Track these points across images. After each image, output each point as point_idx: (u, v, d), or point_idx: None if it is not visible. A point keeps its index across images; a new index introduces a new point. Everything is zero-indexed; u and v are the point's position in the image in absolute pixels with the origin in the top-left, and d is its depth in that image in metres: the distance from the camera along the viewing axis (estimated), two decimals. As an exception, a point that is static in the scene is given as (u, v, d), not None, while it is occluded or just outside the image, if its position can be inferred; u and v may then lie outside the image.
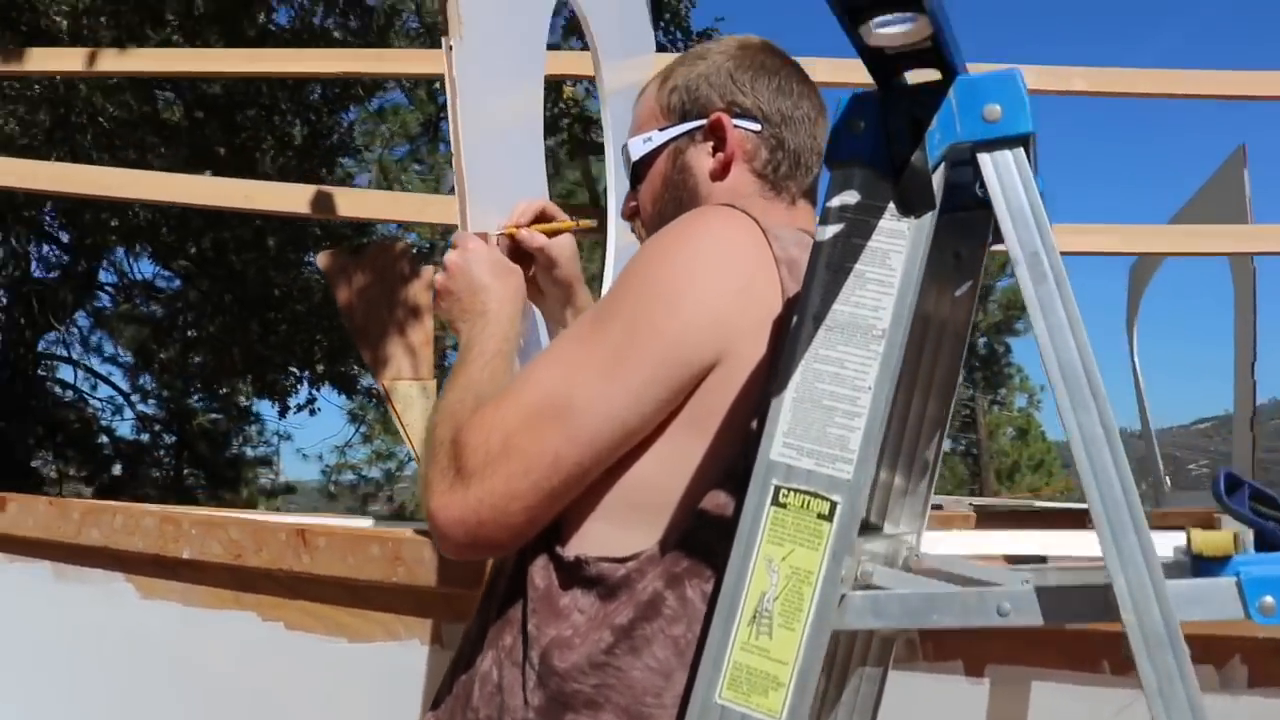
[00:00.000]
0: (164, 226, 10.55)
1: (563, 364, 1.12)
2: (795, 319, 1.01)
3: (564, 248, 1.52)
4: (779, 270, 1.12)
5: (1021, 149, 0.95)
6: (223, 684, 2.00)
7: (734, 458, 1.09)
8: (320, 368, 12.05)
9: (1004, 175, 0.95)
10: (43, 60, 3.34)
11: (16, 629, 2.20)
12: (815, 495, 0.97)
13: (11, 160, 3.68)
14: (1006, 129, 0.95)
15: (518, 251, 1.51)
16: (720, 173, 1.33)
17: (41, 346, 13.38)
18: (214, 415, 15.53)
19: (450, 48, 1.52)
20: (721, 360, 1.09)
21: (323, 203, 2.93)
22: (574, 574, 1.12)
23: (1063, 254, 0.93)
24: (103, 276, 12.87)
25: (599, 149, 2.69)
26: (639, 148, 1.38)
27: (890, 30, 0.91)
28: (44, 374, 13.76)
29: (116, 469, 15.18)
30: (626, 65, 2.44)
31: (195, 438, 15.63)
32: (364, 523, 2.96)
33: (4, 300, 12.46)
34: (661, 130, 1.37)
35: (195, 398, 15.29)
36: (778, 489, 0.99)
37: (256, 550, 1.88)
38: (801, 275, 1.05)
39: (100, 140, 8.92)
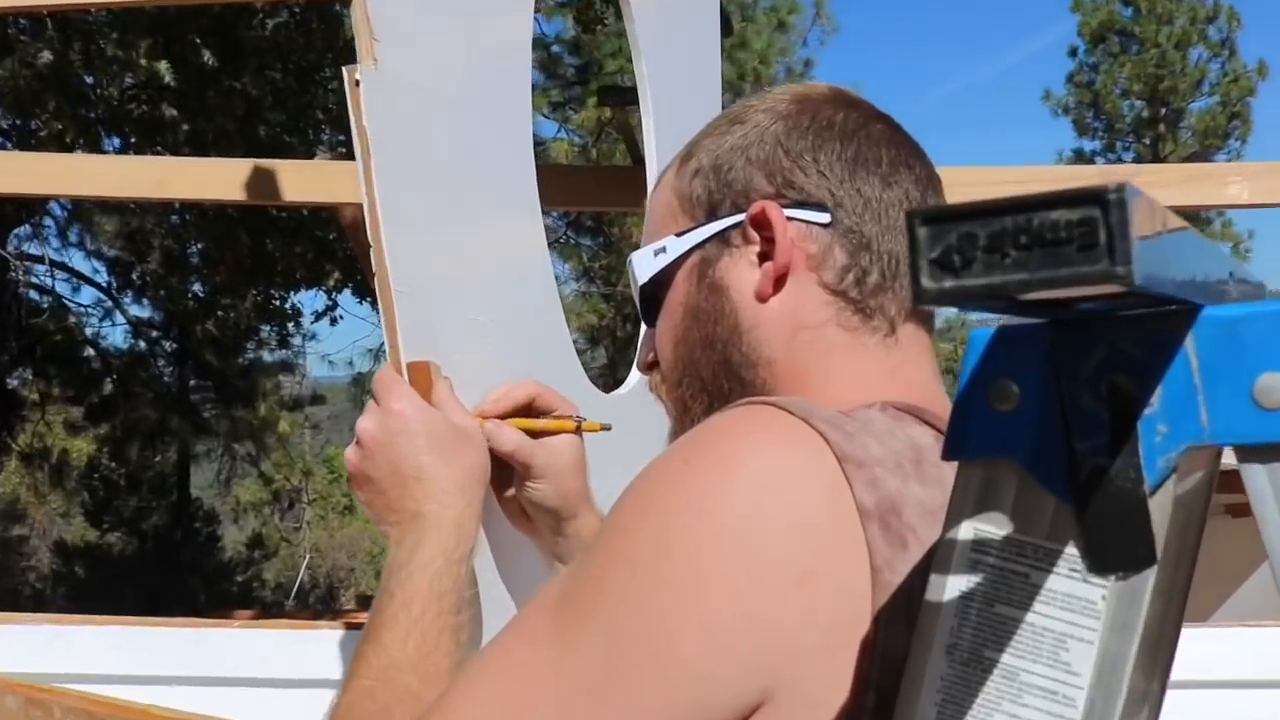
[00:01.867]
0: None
1: (509, 693, 0.92)
2: None
3: (562, 453, 1.39)
4: (866, 530, 0.87)
5: None
6: None
7: None
8: (336, 275, 12.21)
9: None
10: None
11: None
12: None
13: None
14: None
15: None
16: (772, 291, 1.11)
17: (11, 246, 13.60)
18: (225, 314, 15.75)
19: (356, 82, 1.29)
20: (771, 698, 0.86)
21: (262, 183, 2.69)
22: None
23: None
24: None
25: (631, 95, 2.48)
26: (647, 264, 1.19)
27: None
28: (16, 278, 14.01)
29: (108, 386, 15.60)
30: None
31: (200, 344, 15.91)
32: None
33: (-42, 193, 12.67)
34: (680, 236, 1.17)
35: (198, 293, 15.48)
36: None
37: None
38: (912, 524, 0.88)
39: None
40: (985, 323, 0.76)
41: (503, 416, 1.35)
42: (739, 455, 0.89)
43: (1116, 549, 0.69)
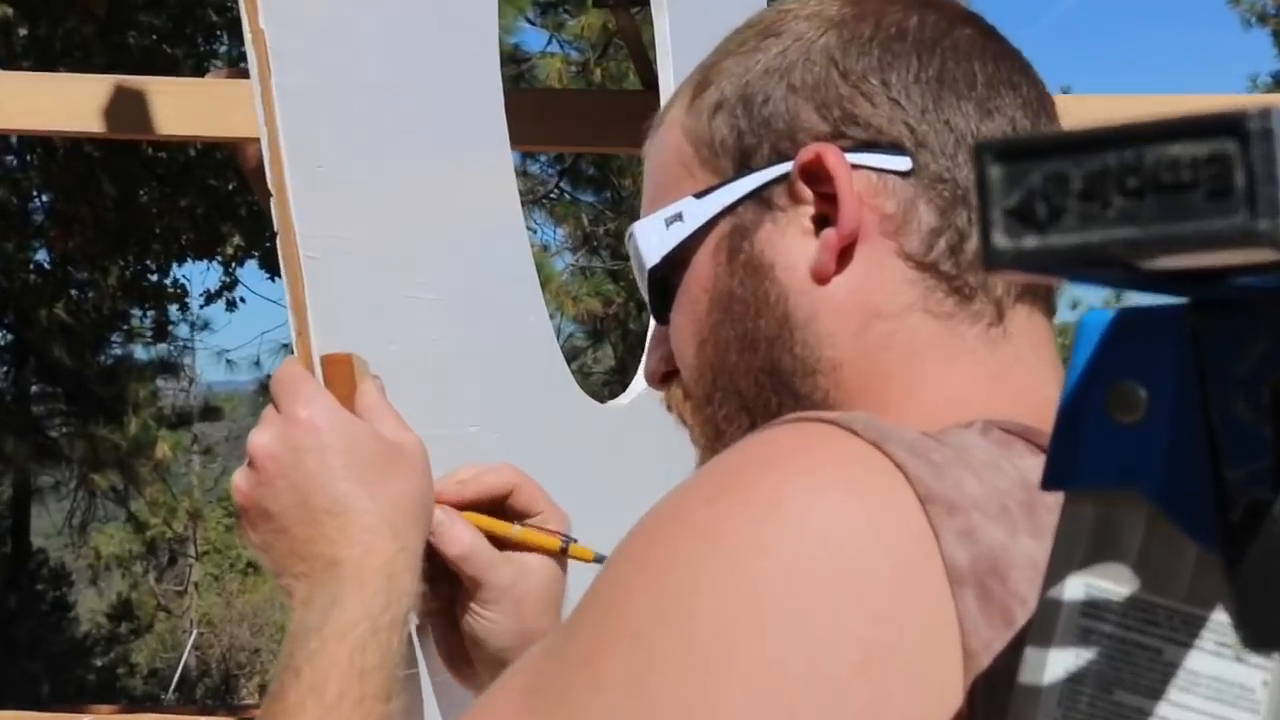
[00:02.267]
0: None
1: None
2: None
3: (529, 577, 1.41)
4: (957, 598, 0.89)
5: None
6: None
7: None
8: (236, 242, 12.33)
9: None
10: None
11: None
12: None
13: None
14: None
15: None
16: (834, 269, 1.12)
17: None
18: (81, 293, 15.89)
19: None
20: None
21: (127, 110, 2.74)
22: None
23: None
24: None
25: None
26: (656, 239, 1.21)
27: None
28: None
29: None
30: None
31: (47, 334, 16.06)
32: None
33: None
34: (701, 197, 1.18)
35: (43, 263, 15.63)
36: None
37: None
38: (1021, 593, 0.89)
39: None
40: (1108, 304, 0.79)
41: (462, 507, 1.37)
42: (783, 494, 0.91)
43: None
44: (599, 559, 1.37)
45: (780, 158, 1.14)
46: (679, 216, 1.18)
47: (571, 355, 15.51)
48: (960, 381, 1.09)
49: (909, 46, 1.14)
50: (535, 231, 14.70)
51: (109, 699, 17.54)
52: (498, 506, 1.40)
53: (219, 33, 11.34)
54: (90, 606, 22.08)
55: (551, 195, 15.37)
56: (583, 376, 12.91)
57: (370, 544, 1.25)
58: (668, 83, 2.27)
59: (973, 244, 1.11)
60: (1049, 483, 0.76)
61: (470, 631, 1.39)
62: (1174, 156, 0.52)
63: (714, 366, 1.18)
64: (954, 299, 1.11)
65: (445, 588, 1.39)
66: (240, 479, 1.30)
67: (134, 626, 21.78)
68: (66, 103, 3.24)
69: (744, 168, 1.16)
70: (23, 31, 10.43)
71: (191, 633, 20.98)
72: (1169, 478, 0.73)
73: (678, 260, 1.20)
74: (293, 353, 1.36)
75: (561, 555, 1.40)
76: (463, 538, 1.36)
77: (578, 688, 0.92)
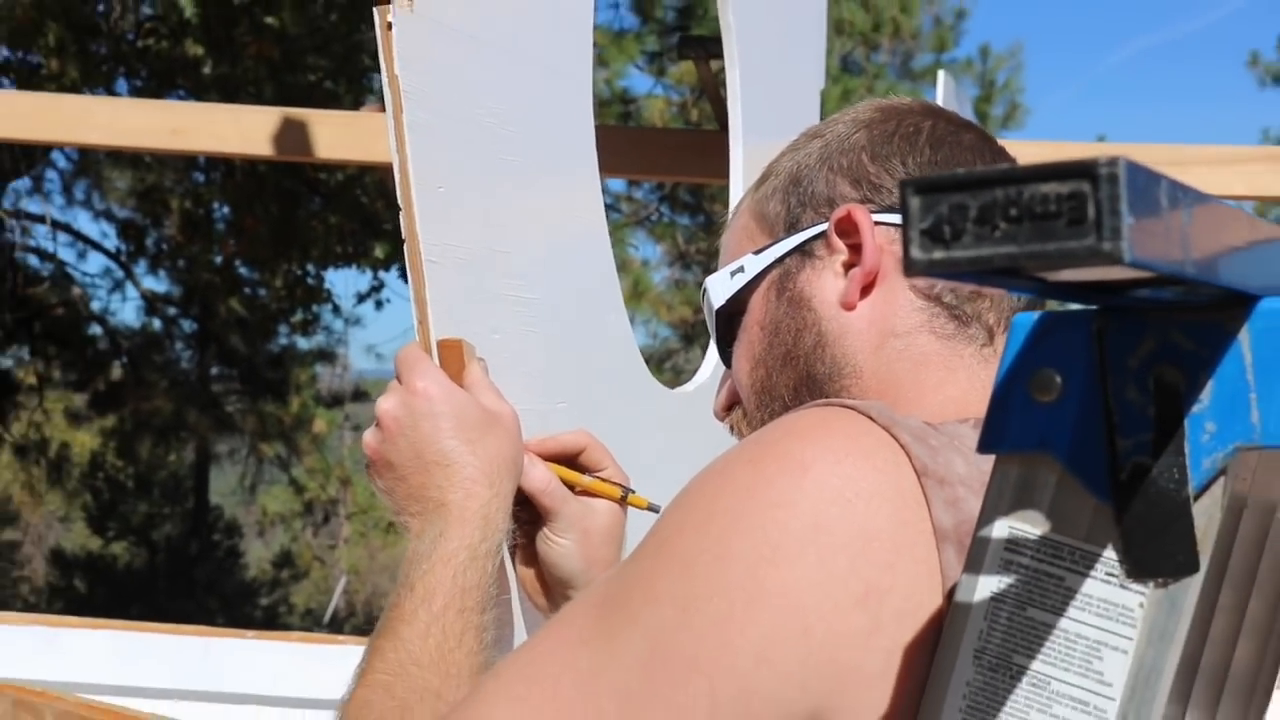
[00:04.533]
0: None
1: (543, 697, 0.99)
2: None
3: (594, 513, 1.43)
4: (942, 554, 0.94)
5: None
6: None
7: None
8: (382, 252, 12.25)
9: None
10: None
11: None
12: None
13: None
14: None
15: None
16: (858, 298, 1.21)
17: (7, 203, 13.87)
18: (253, 291, 15.85)
19: (389, 25, 1.37)
20: (822, 719, 0.93)
21: (293, 136, 2.78)
22: None
23: None
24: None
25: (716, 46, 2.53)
26: (723, 287, 1.31)
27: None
28: (12, 239, 14.27)
29: (117, 370, 15.77)
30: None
31: (225, 326, 16.05)
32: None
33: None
34: (757, 253, 1.28)
35: (219, 267, 15.59)
36: None
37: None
38: None
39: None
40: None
41: (543, 457, 1.40)
42: (810, 460, 0.96)
43: (1157, 554, 0.75)
44: (652, 507, 1.41)
45: (820, 220, 1.23)
46: (741, 269, 1.27)
47: (666, 355, 15.37)
48: (957, 388, 1.16)
49: (923, 141, 1.22)
50: (637, 248, 14.49)
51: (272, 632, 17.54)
52: (572, 462, 1.43)
53: (372, 74, 11.30)
54: (257, 555, 22.02)
55: (652, 218, 15.22)
56: (674, 374, 12.74)
57: (470, 490, 1.28)
58: (736, 123, 2.28)
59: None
60: (983, 447, 0.81)
61: (546, 556, 1.41)
62: (1044, 193, 0.57)
63: (764, 381, 1.25)
64: (954, 324, 1.18)
65: (529, 526, 1.41)
66: (369, 436, 1.34)
67: (293, 573, 21.71)
68: (243, 130, 3.23)
69: (791, 230, 1.25)
70: (209, 70, 10.46)
71: (341, 579, 20.88)
72: (1075, 445, 0.77)
73: (738, 303, 1.27)
74: (415, 337, 1.39)
75: (621, 502, 1.43)
76: (542, 476, 1.38)
77: (636, 601, 0.96)
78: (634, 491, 1.43)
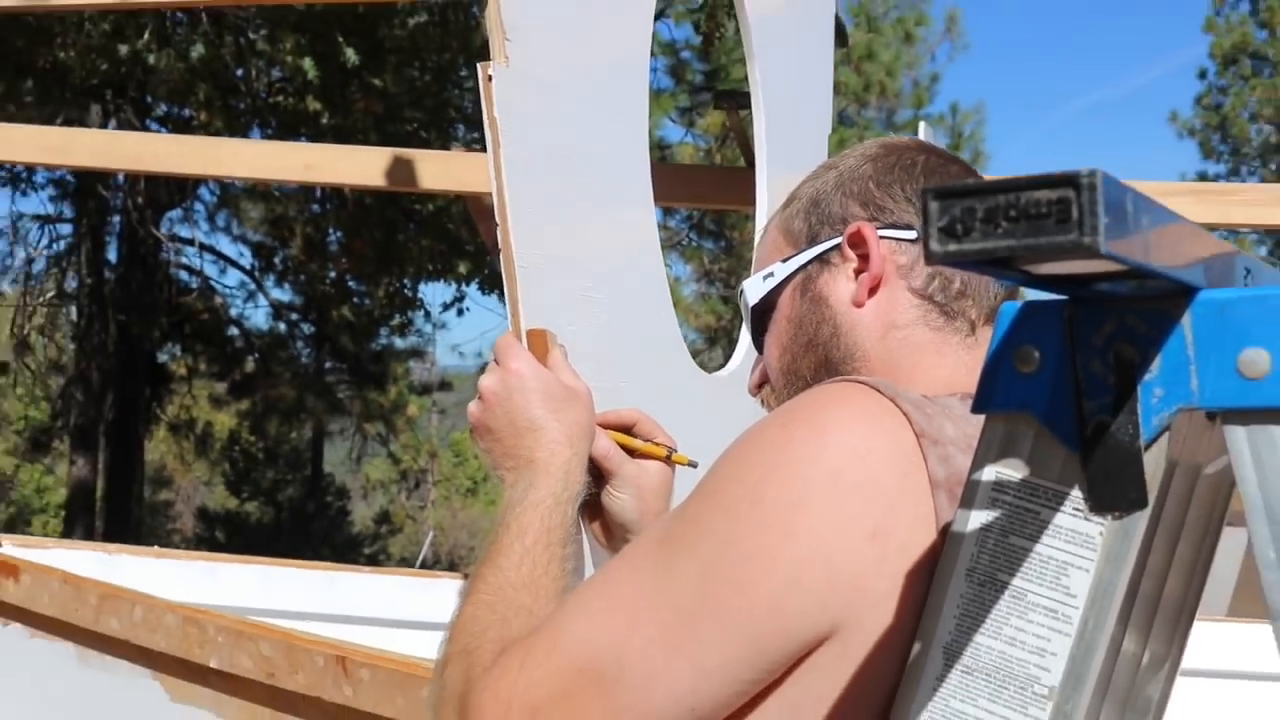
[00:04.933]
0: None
1: (615, 611, 0.99)
2: (919, 646, 0.83)
3: (650, 475, 1.41)
4: (936, 499, 0.94)
5: None
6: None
7: None
8: (465, 267, 12.27)
9: (1267, 470, 0.71)
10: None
11: (36, 712, 2.24)
12: None
13: (19, 128, 3.68)
14: (1278, 395, 0.70)
15: None
16: (866, 298, 1.20)
17: (163, 229, 13.93)
18: (360, 300, 15.88)
19: (489, 77, 1.34)
20: (838, 632, 0.93)
21: (401, 171, 2.80)
22: None
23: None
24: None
25: (745, 99, 2.54)
26: (757, 289, 1.29)
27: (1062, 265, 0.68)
28: (167, 258, 14.35)
29: (250, 364, 15.85)
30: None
31: (337, 328, 16.10)
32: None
33: (120, 179, 13.01)
34: (786, 261, 1.27)
35: (332, 280, 15.64)
36: None
37: (291, 672, 1.82)
38: None
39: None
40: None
41: (603, 426, 1.39)
42: (829, 424, 0.96)
43: (1113, 492, 0.75)
44: (692, 464, 1.40)
45: (835, 234, 1.22)
46: (771, 274, 1.27)
47: (693, 354, 15.34)
48: (946, 369, 1.16)
49: (918, 171, 1.22)
50: (670, 267, 14.50)
51: (372, 577, 17.52)
52: (628, 432, 1.42)
53: (458, 124, 11.33)
54: (361, 514, 22.08)
55: (683, 242, 15.21)
56: (701, 367, 12.70)
57: (554, 450, 1.27)
58: (761, 160, 2.28)
59: (956, 285, 1.19)
60: (976, 408, 0.81)
61: (608, 508, 1.40)
62: (1037, 198, 0.58)
63: (791, 364, 1.25)
64: (943, 318, 1.18)
65: (596, 484, 1.40)
66: (473, 407, 1.33)
67: (390, 528, 21.77)
68: (362, 165, 3.27)
69: (812, 243, 1.25)
70: (326, 120, 10.49)
71: (429, 534, 20.91)
72: (1050, 406, 0.77)
73: (770, 302, 1.27)
74: (508, 328, 1.40)
75: (668, 461, 1.41)
76: (604, 444, 1.37)
77: (690, 538, 0.96)
78: (677, 452, 1.42)
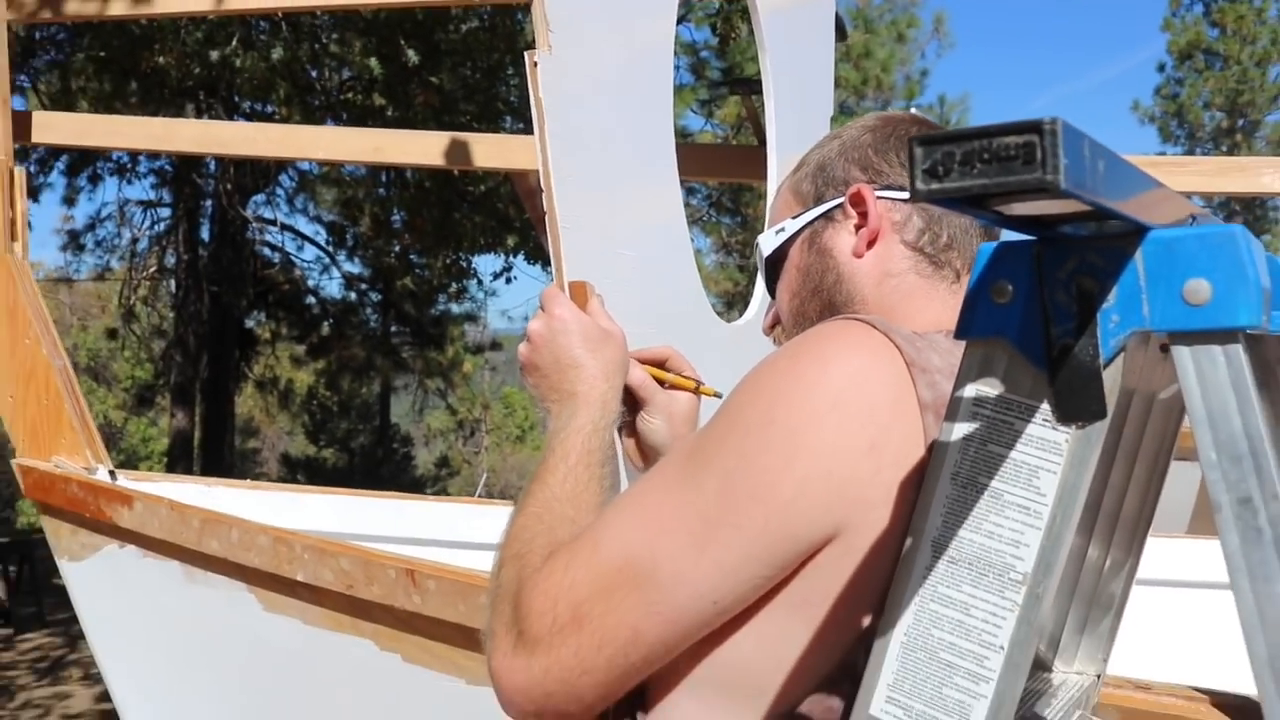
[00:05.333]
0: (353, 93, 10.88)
1: (647, 517, 0.99)
2: (910, 541, 0.83)
3: (679, 403, 1.43)
4: (923, 419, 0.94)
5: (1239, 346, 0.71)
6: (338, 705, 2.01)
7: (849, 651, 0.95)
8: (512, 241, 12.26)
9: (1209, 384, 0.71)
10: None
11: (149, 623, 2.28)
12: (924, 772, 0.81)
13: (128, 119, 3.70)
14: (1218, 318, 0.70)
15: None
16: (865, 250, 1.20)
17: (250, 210, 13.98)
18: (420, 271, 15.90)
19: (535, 64, 1.35)
20: (840, 534, 0.94)
21: (458, 152, 2.80)
22: None
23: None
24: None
25: (758, 85, 2.52)
26: (770, 242, 1.28)
27: (1029, 205, 0.67)
28: (253, 237, 14.41)
29: (325, 328, 15.92)
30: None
31: (401, 296, 16.15)
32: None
33: (212, 167, 13.07)
34: (795, 218, 1.27)
35: (397, 254, 15.68)
36: (878, 754, 0.83)
37: (368, 583, 1.85)
38: None
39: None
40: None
41: (640, 361, 1.40)
42: (831, 355, 0.96)
43: (1077, 405, 0.75)
44: (717, 394, 1.40)
45: (838, 195, 1.22)
46: (783, 229, 1.26)
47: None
48: (934, 311, 1.15)
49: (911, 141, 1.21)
50: (693, 240, 14.48)
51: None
52: (660, 366, 1.42)
53: (507, 117, 11.27)
54: (424, 458, 22.17)
55: (704, 218, 15.15)
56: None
57: (593, 384, 1.28)
58: (772, 139, 2.28)
59: (944, 239, 1.18)
60: (958, 335, 0.81)
61: (642, 432, 1.42)
62: (1007, 143, 0.58)
63: (800, 308, 1.25)
64: (932, 267, 1.18)
65: (631, 411, 1.41)
66: (522, 348, 1.33)
67: (449, 471, 21.85)
68: (421, 147, 3.27)
69: (819, 202, 1.24)
70: (390, 113, 10.46)
71: (483, 475, 20.98)
72: (1022, 332, 0.77)
73: (781, 253, 1.27)
74: (553, 281, 1.40)
75: (695, 392, 1.42)
76: (640, 375, 1.39)
77: (711, 455, 0.97)
78: (704, 383, 1.43)
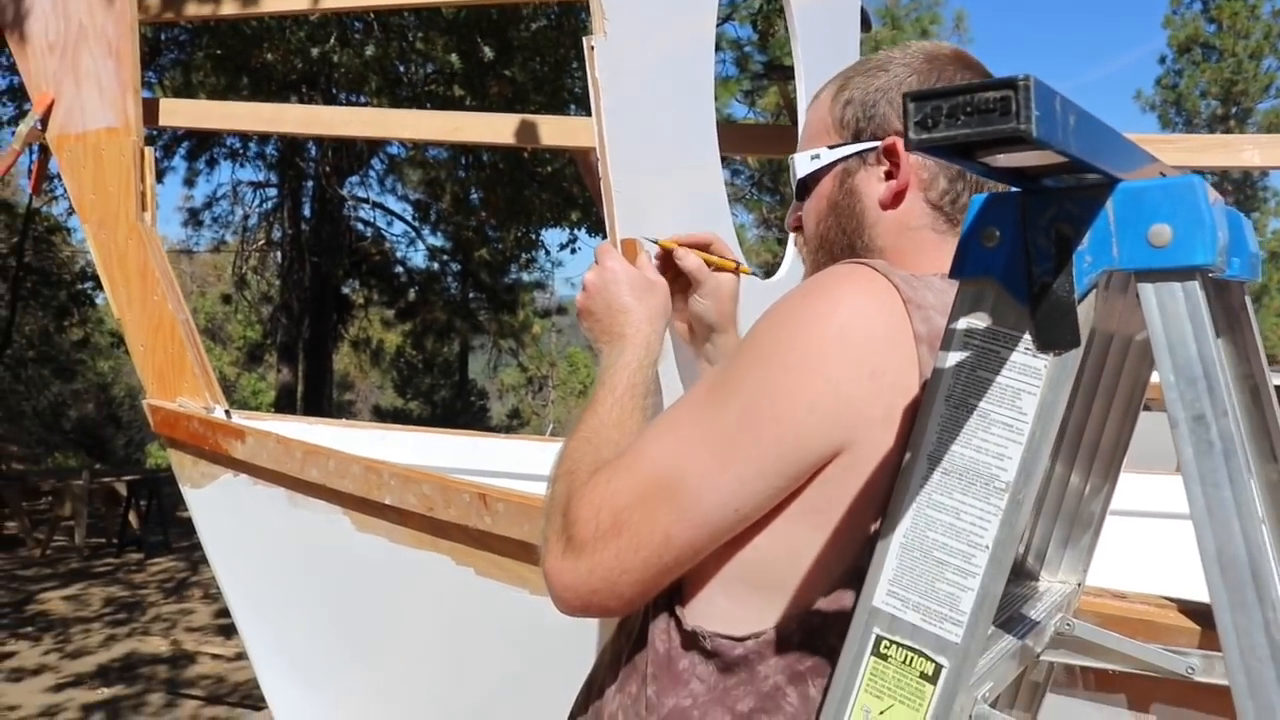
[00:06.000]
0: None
1: (679, 438, 1.01)
2: (909, 455, 0.84)
3: (725, 284, 1.42)
4: (918, 349, 0.95)
5: (1196, 283, 0.72)
6: (420, 612, 2.06)
7: (858, 554, 0.97)
8: (576, 215, 12.27)
9: (1169, 316, 0.73)
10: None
11: (259, 541, 2.35)
12: (919, 653, 0.83)
13: (242, 105, 3.76)
14: (1177, 258, 0.72)
15: (672, 266, 1.39)
16: (891, 202, 1.15)
17: (346, 190, 14.12)
18: (495, 243, 15.96)
19: (593, 47, 1.36)
20: (845, 450, 0.95)
21: (527, 132, 2.81)
22: (691, 642, 1.05)
23: None
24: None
25: (791, 72, 2.48)
26: (805, 165, 1.21)
27: (1012, 158, 0.68)
28: (348, 213, 14.55)
29: (411, 295, 16.06)
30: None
31: (478, 266, 16.24)
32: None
33: (313, 151, 13.20)
34: (831, 149, 1.19)
35: (474, 228, 15.73)
36: (879, 639, 0.86)
37: (446, 506, 1.88)
38: None
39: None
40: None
41: (690, 246, 1.40)
42: (839, 293, 0.97)
43: (1055, 335, 0.76)
44: (754, 273, 1.41)
45: (874, 138, 1.16)
46: (818, 156, 1.19)
47: (755, 285, 15.27)
48: (942, 262, 1.11)
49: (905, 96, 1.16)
50: (736, 216, 14.40)
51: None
52: (707, 250, 1.42)
53: (572, 106, 11.25)
54: (498, 411, 22.34)
55: (746, 196, 15.04)
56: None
57: (639, 327, 1.28)
58: (802, 121, 2.27)
59: (964, 199, 1.13)
60: (952, 274, 0.82)
61: (694, 310, 1.42)
62: (986, 98, 0.59)
63: (822, 236, 1.20)
64: (948, 224, 1.14)
65: (684, 295, 1.42)
66: (580, 297, 1.33)
67: (520, 422, 21.98)
68: (496, 127, 3.28)
69: (855, 139, 1.17)
70: (469, 102, 10.47)
71: (550, 426, 21.10)
72: (1007, 272, 0.78)
73: (814, 176, 1.21)
74: (606, 239, 1.41)
75: (736, 272, 1.42)
76: (694, 260, 1.39)
77: (734, 382, 0.99)
78: (743, 264, 1.44)
